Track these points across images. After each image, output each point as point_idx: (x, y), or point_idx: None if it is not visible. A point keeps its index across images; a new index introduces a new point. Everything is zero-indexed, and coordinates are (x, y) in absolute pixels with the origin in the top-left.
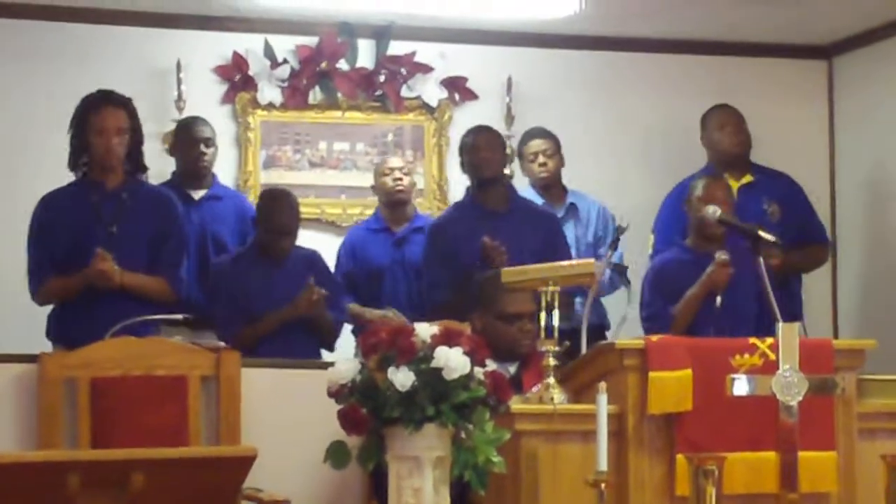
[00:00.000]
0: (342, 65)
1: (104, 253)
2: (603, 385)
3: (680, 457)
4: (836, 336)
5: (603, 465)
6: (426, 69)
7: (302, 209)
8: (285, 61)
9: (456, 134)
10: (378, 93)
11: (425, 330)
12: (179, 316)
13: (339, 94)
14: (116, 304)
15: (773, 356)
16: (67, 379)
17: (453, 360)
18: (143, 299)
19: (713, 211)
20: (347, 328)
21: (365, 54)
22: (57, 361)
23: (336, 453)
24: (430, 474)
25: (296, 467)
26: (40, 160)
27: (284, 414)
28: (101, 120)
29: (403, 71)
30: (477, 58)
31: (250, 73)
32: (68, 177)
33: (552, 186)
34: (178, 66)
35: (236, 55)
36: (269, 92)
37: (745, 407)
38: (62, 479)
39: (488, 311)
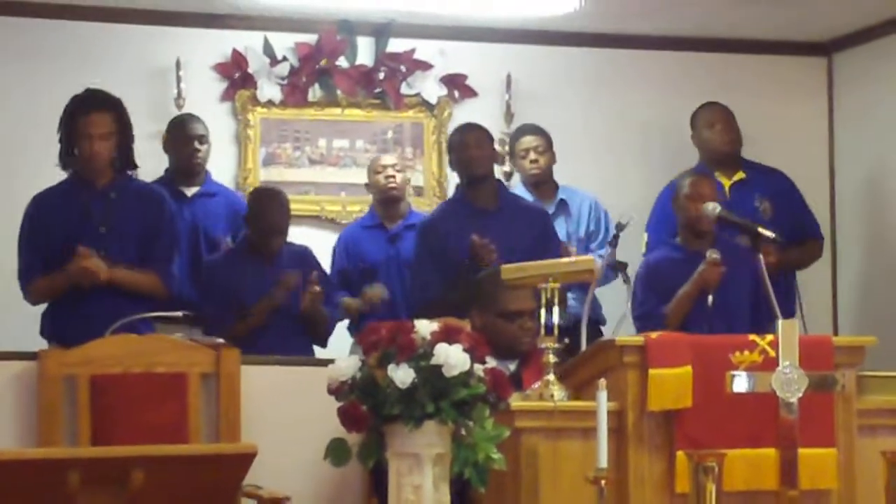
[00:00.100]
0: (342, 62)
1: (86, 250)
2: (603, 382)
3: (680, 453)
4: (835, 333)
5: (603, 461)
6: (426, 66)
7: (301, 206)
8: (285, 59)
9: None
10: (378, 90)
11: (425, 327)
12: (179, 313)
13: (339, 92)
14: (110, 302)
15: (772, 353)
16: (67, 376)
17: (453, 357)
18: (135, 295)
19: (713, 208)
20: (342, 325)
21: (364, 52)
22: (57, 359)
23: (336, 450)
24: (430, 471)
25: (296, 464)
26: (41, 158)
27: (284, 411)
28: (87, 125)
29: (403, 68)
30: (476, 55)
31: (250, 70)
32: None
33: (543, 183)
34: (178, 63)
35: (236, 53)
36: (269, 89)
37: (744, 404)
38: (62, 477)
39: (488, 309)
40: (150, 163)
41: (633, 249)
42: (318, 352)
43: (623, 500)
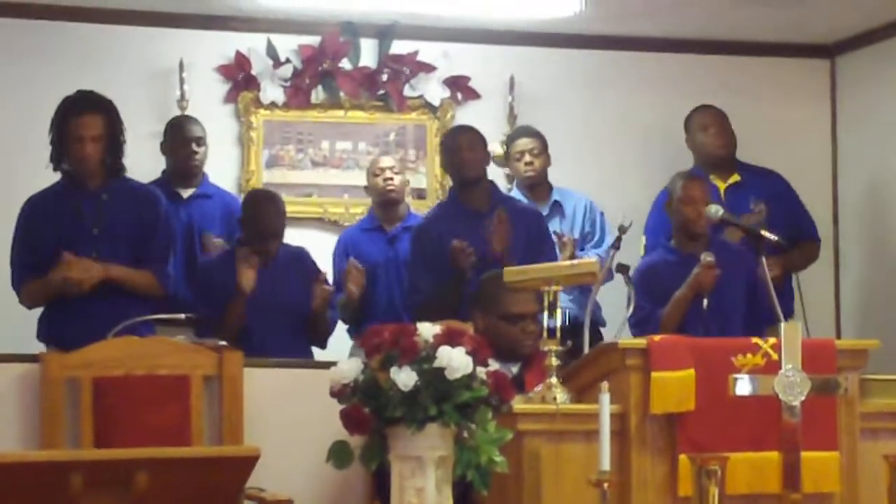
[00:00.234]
0: (345, 64)
1: (71, 257)
2: (605, 385)
3: (682, 457)
4: (838, 336)
5: (605, 464)
6: (429, 68)
7: (304, 209)
8: (288, 61)
9: None
10: (381, 92)
11: (428, 330)
12: (181, 315)
13: (342, 94)
14: (107, 304)
15: (775, 356)
16: (70, 379)
17: (456, 360)
18: (131, 295)
19: (715, 210)
20: (341, 328)
21: (367, 53)
22: (59, 361)
23: (339, 453)
24: (432, 474)
25: (298, 467)
26: (43, 160)
27: (287, 414)
28: (78, 128)
29: (406, 70)
30: (479, 57)
31: (253, 72)
32: None
33: (538, 185)
34: (181, 65)
35: (239, 54)
36: (272, 91)
37: (747, 407)
38: (65, 479)
39: (491, 312)
40: (153, 164)
41: (634, 252)
42: (318, 354)
43: None
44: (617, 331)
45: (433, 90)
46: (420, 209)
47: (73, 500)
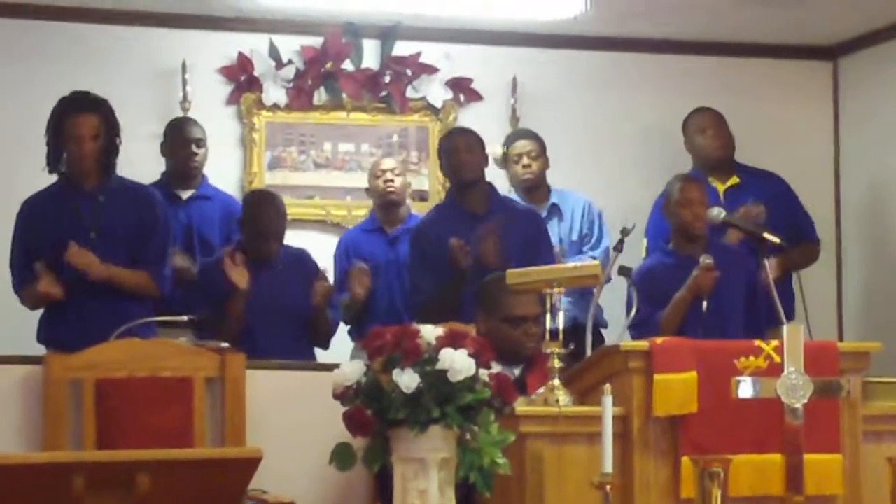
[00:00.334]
0: (347, 65)
1: (76, 246)
2: (608, 387)
3: (685, 459)
4: (841, 338)
5: (608, 467)
6: (431, 70)
7: (307, 210)
8: (290, 62)
9: None
10: (383, 93)
11: (430, 332)
12: (184, 318)
13: (344, 95)
14: (107, 307)
15: (778, 358)
16: (72, 380)
17: (458, 362)
18: (129, 296)
19: (717, 212)
20: (343, 329)
21: (370, 55)
22: (62, 363)
23: (341, 455)
24: (435, 476)
25: (301, 469)
26: (44, 161)
27: (289, 416)
28: (74, 127)
29: (408, 72)
30: (482, 58)
31: (255, 73)
32: None
33: (536, 188)
34: (184, 66)
35: (241, 56)
36: (274, 93)
37: (750, 409)
38: (68, 481)
39: (493, 314)
40: (156, 166)
41: (636, 254)
42: (321, 356)
43: None
44: (619, 333)
45: (435, 92)
46: (422, 211)
47: (76, 502)
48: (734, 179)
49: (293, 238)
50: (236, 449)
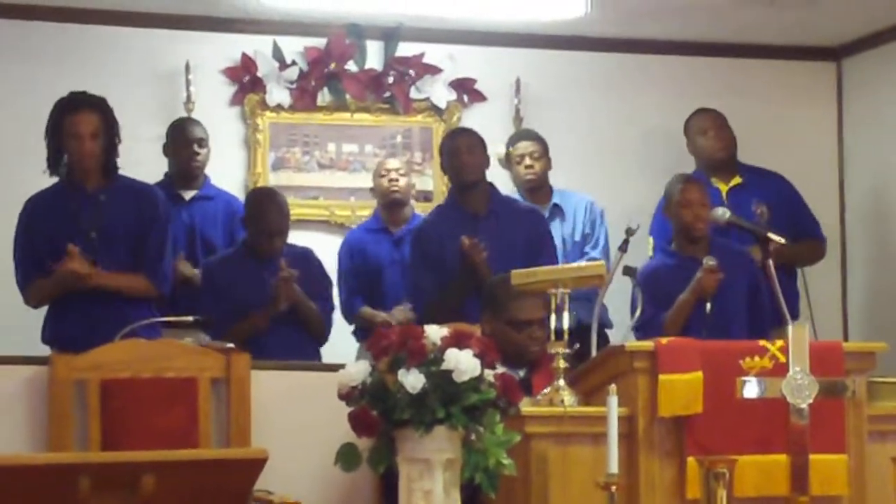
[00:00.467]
0: (351, 66)
1: (75, 251)
2: (613, 387)
3: (690, 459)
4: (846, 338)
5: (613, 467)
6: (435, 70)
7: (311, 211)
8: (294, 63)
9: None
10: (386, 94)
11: (435, 332)
12: (189, 318)
13: (348, 96)
14: (112, 306)
15: (783, 359)
16: (78, 381)
17: (464, 363)
18: (125, 298)
19: (722, 213)
20: (347, 330)
21: (373, 56)
22: (67, 363)
23: (346, 456)
24: (440, 477)
25: (306, 470)
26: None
27: (295, 416)
28: (75, 125)
29: (412, 72)
30: (485, 59)
31: (259, 74)
32: None
33: (538, 189)
34: (187, 67)
35: (245, 57)
36: (278, 93)
37: (755, 409)
38: (73, 482)
39: (498, 317)
40: (160, 166)
41: (642, 254)
42: (326, 356)
43: None
44: (624, 334)
45: (439, 92)
46: (426, 211)
47: (81, 503)
48: (737, 179)
49: (297, 238)
50: (241, 449)
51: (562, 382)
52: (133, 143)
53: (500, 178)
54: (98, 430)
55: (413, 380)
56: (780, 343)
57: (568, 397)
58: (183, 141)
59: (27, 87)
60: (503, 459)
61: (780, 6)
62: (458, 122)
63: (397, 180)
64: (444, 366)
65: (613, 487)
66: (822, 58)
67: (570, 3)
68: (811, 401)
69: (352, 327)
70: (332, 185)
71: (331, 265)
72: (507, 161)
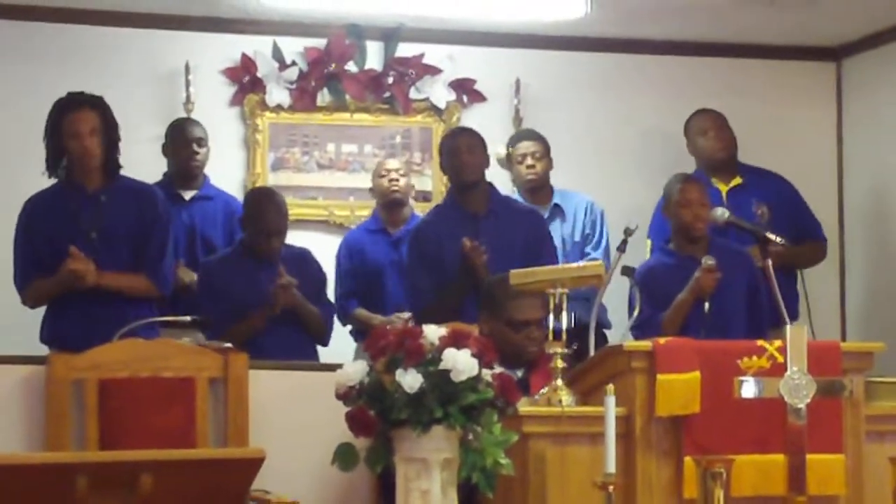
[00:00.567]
0: (350, 67)
1: (77, 252)
2: (611, 387)
3: (688, 459)
4: (844, 338)
5: (611, 467)
6: (434, 71)
7: (310, 211)
8: (294, 63)
9: None
10: (386, 95)
11: (433, 332)
12: (187, 318)
13: (348, 96)
14: (110, 306)
15: (781, 358)
16: (75, 380)
17: (461, 362)
18: (126, 298)
19: (721, 213)
20: (344, 330)
21: (373, 56)
22: (65, 363)
23: (344, 455)
24: (437, 476)
25: (304, 469)
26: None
27: (292, 416)
28: (74, 123)
29: (412, 73)
30: (485, 60)
31: (259, 74)
32: None
33: (539, 189)
34: (187, 67)
35: (245, 57)
36: (278, 94)
37: (752, 409)
38: (70, 481)
39: (496, 317)
40: (159, 167)
41: (640, 254)
42: (324, 356)
43: None
44: (622, 333)
45: (439, 93)
46: (425, 212)
47: (79, 502)
48: (737, 180)
49: (296, 238)
50: (239, 449)
51: (560, 382)
52: (132, 144)
53: (499, 179)
54: (96, 430)
55: (411, 379)
56: (777, 343)
57: (566, 397)
58: (182, 141)
59: (27, 88)
60: (501, 459)
61: (779, 7)
62: (458, 122)
63: (398, 180)
64: (442, 365)
65: (611, 487)
66: (822, 58)
67: (569, 4)
68: (809, 401)
69: (349, 327)
70: (332, 186)
71: (329, 265)
72: (509, 161)
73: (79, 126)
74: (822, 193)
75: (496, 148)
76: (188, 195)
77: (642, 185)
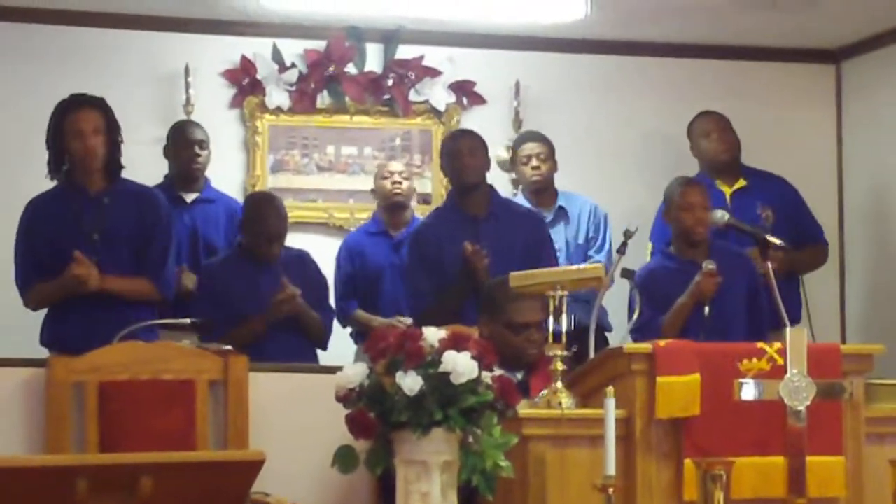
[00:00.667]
0: (350, 69)
1: (81, 256)
2: (611, 389)
3: (688, 461)
4: (844, 341)
5: (611, 469)
6: (434, 73)
7: (310, 213)
8: (293, 65)
9: None
10: (386, 97)
11: (433, 334)
12: (187, 320)
13: (347, 99)
14: (111, 309)
15: (781, 361)
16: (75, 383)
17: (461, 365)
18: (128, 302)
19: (721, 215)
20: (344, 332)
21: (373, 58)
22: (65, 366)
23: (344, 458)
24: (437, 479)
25: (304, 472)
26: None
27: (292, 418)
28: (77, 122)
29: (411, 75)
30: (485, 62)
31: (258, 77)
32: None
33: (544, 191)
34: (187, 70)
35: (244, 59)
36: (278, 96)
37: (752, 411)
38: (70, 484)
39: (496, 319)
40: (159, 169)
41: (640, 257)
42: (324, 359)
43: None
44: (622, 336)
45: (438, 95)
46: (425, 214)
47: None
48: (741, 182)
49: (296, 241)
50: (239, 452)
51: (559, 384)
52: (132, 146)
53: (499, 181)
54: (96, 432)
55: (411, 382)
56: (777, 345)
57: (566, 399)
58: (184, 143)
59: (29, 89)
60: (501, 461)
61: (779, 9)
62: (458, 124)
63: (400, 183)
64: (442, 368)
65: (611, 489)
66: (822, 60)
67: (569, 6)
68: (808, 403)
69: (349, 329)
70: (331, 188)
71: (329, 268)
72: (513, 162)
73: (82, 125)
74: (822, 195)
75: (497, 150)
76: (189, 198)
77: (643, 188)
